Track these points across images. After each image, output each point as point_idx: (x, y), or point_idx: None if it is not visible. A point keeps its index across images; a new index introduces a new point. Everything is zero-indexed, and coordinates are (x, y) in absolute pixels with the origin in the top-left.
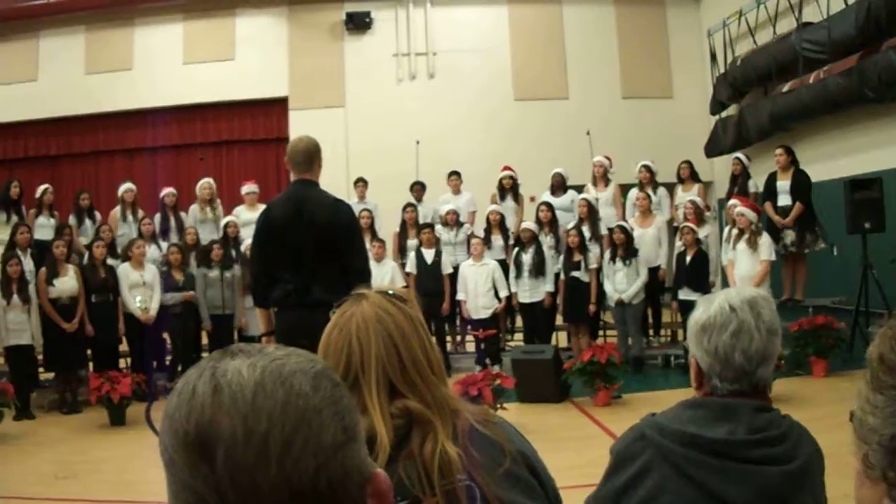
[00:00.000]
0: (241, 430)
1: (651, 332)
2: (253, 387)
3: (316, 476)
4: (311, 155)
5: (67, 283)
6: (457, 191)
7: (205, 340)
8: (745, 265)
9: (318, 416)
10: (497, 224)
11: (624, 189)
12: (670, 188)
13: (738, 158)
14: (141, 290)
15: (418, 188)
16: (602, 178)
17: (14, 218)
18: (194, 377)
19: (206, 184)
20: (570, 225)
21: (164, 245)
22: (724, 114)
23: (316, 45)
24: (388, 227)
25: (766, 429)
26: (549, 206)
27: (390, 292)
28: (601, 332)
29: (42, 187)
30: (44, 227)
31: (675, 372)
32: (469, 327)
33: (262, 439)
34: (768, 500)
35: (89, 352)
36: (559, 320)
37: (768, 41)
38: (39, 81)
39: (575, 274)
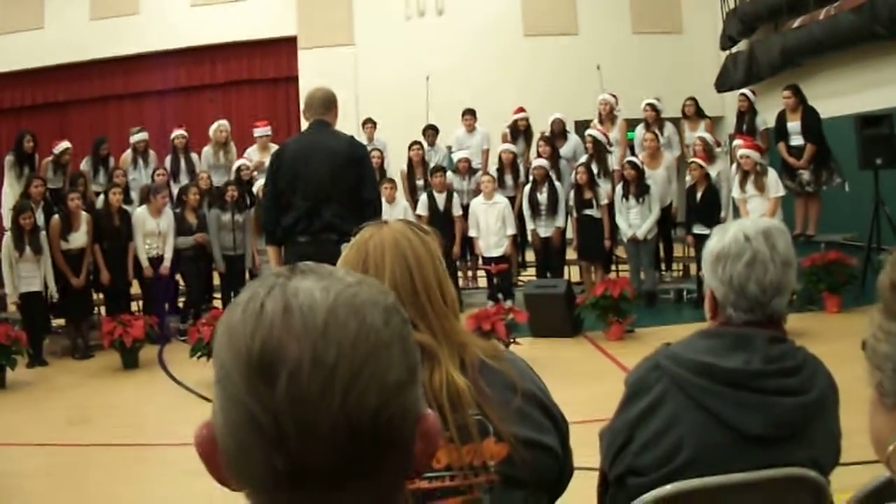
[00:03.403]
0: (309, 358)
1: (663, 266)
2: (325, 314)
3: (376, 415)
4: (328, 101)
5: (80, 238)
6: (471, 129)
7: (217, 282)
8: (756, 206)
9: (387, 352)
10: (509, 164)
11: (633, 123)
12: (681, 123)
13: (743, 94)
14: (155, 238)
15: (431, 133)
16: (608, 116)
17: (27, 171)
18: (262, 292)
19: (221, 126)
20: (579, 161)
21: (174, 188)
22: (734, 49)
23: None
24: (396, 166)
25: (782, 359)
26: (548, 140)
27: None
28: (614, 268)
29: (62, 146)
30: (57, 178)
31: (688, 306)
32: (481, 262)
33: (330, 371)
34: (783, 430)
35: (101, 296)
36: (571, 255)
37: None
38: (46, 29)
39: (587, 212)
